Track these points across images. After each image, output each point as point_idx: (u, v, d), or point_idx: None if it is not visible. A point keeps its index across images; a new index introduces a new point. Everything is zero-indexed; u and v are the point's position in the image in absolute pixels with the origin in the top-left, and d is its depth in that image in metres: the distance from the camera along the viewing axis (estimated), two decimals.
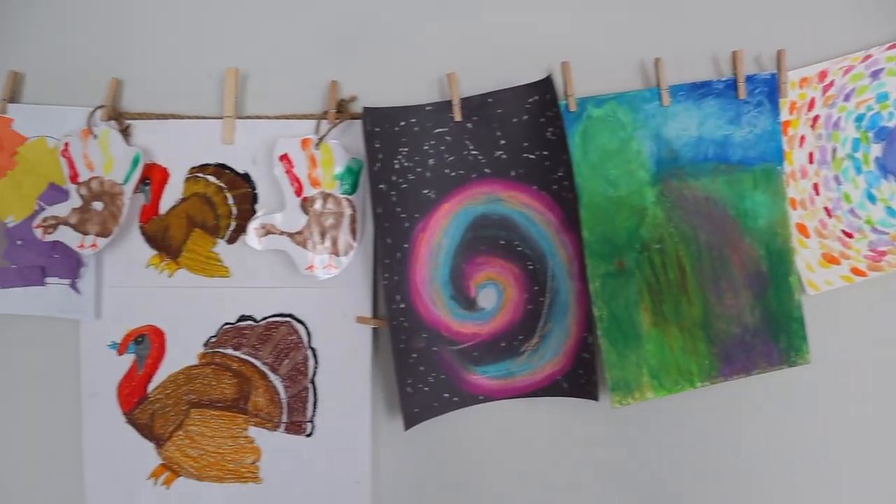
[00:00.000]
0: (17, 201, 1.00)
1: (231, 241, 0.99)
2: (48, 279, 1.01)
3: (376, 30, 1.00)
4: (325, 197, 0.95)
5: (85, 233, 0.97)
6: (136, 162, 0.97)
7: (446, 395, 0.98)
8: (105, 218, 0.97)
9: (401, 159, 0.94)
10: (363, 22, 1.00)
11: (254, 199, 0.99)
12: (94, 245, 0.97)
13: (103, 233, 0.97)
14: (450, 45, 1.00)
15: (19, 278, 1.01)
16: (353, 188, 0.96)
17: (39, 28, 1.03)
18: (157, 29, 1.02)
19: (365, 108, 0.92)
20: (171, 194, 1.00)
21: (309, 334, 0.99)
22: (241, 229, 0.99)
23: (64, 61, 1.03)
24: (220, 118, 1.00)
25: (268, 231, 0.94)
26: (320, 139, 0.94)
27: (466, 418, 1.00)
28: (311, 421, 1.00)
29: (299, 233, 0.95)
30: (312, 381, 1.00)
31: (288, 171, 0.94)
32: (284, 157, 0.94)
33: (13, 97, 1.02)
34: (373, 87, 0.99)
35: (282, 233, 0.94)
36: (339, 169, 0.96)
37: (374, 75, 1.00)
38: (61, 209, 0.98)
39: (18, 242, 1.01)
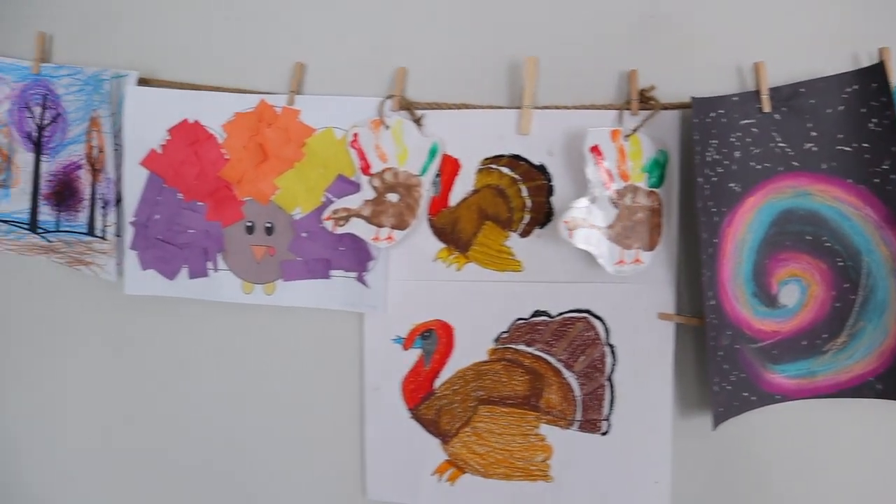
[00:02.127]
0: (304, 193, 0.99)
1: (524, 234, 0.97)
2: (333, 272, 1.00)
3: (669, 17, 0.97)
4: (634, 190, 0.92)
5: (380, 225, 0.96)
6: (433, 152, 0.96)
7: (745, 393, 0.95)
8: (401, 210, 0.95)
9: (711, 152, 0.91)
10: (657, 9, 0.96)
11: (549, 191, 0.96)
12: (389, 238, 0.96)
13: (399, 225, 0.95)
14: (746, 32, 0.96)
15: (304, 271, 1.00)
16: (660, 181, 0.93)
17: (323, 19, 1.01)
18: (442, 17, 0.99)
19: (693, 98, 0.89)
20: (462, 186, 0.98)
21: (607, 330, 0.97)
22: (535, 222, 0.97)
23: (347, 51, 1.01)
24: (513, 108, 0.96)
25: (578, 225, 0.91)
26: (634, 130, 0.91)
27: (763, 418, 0.96)
28: (608, 419, 0.97)
29: (609, 227, 0.92)
30: (609, 379, 0.97)
31: (598, 164, 0.91)
32: (595, 149, 0.91)
33: (299, 88, 0.99)
34: (666, 76, 0.96)
35: (592, 226, 0.91)
36: (646, 161, 0.92)
37: (667, 64, 0.97)
38: (353, 201, 0.97)
39: (304, 235, 1.00)
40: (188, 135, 1.02)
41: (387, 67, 1.01)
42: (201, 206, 1.03)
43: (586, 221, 0.93)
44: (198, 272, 1.03)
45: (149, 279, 1.04)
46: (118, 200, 1.04)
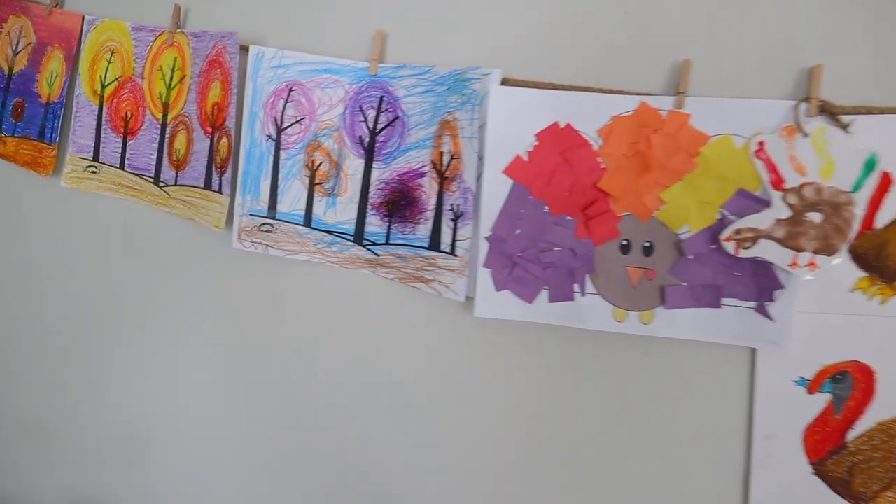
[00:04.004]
0: (695, 209, 0.85)
1: None
2: (725, 300, 0.85)
3: None
4: None
5: (798, 249, 0.80)
6: (870, 166, 0.80)
7: None
8: (826, 232, 0.80)
9: None
10: None
11: None
12: (812, 264, 0.80)
13: (825, 250, 0.80)
14: None
15: (690, 298, 0.86)
16: None
17: (710, 11, 0.86)
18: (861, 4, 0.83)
19: None
20: (892, 205, 0.80)
21: None
22: None
23: (739, 47, 0.86)
24: None
25: None
26: None
27: None
28: None
29: None
30: None
31: None
32: None
33: (685, 89, 0.85)
34: None
35: None
36: None
37: None
38: (761, 220, 0.82)
39: (691, 257, 0.85)
40: (560, 140, 0.90)
41: (792, 65, 0.86)
42: (570, 222, 0.90)
43: None
44: (561, 295, 0.91)
45: (503, 301, 0.93)
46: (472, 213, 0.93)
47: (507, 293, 0.93)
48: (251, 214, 1.06)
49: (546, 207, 0.91)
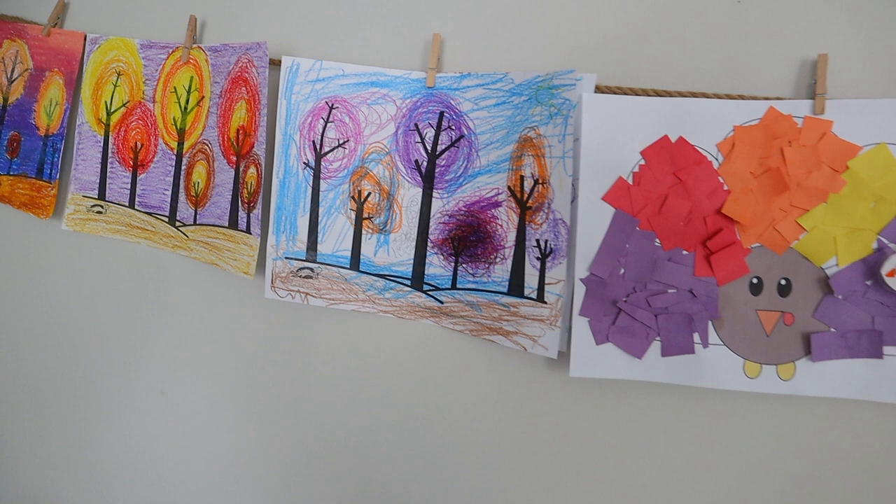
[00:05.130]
0: (844, 237, 0.68)
1: None
2: (887, 349, 0.67)
3: None
4: None
5: None
6: None
7: None
8: None
9: None
10: None
11: None
12: None
13: None
14: None
15: (841, 347, 0.69)
16: None
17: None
18: None
19: None
20: None
21: None
22: None
23: (886, 36, 0.68)
24: None
25: None
26: None
27: None
28: None
29: None
30: None
31: None
32: None
33: (825, 90, 0.68)
34: None
35: None
36: None
37: None
38: None
39: (839, 296, 0.67)
40: (672, 157, 0.72)
41: None
42: (688, 257, 0.72)
43: None
44: (678, 347, 0.73)
45: (605, 357, 0.75)
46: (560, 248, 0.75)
47: (611, 346, 0.75)
48: (287, 258, 0.89)
49: (657, 241, 0.74)
